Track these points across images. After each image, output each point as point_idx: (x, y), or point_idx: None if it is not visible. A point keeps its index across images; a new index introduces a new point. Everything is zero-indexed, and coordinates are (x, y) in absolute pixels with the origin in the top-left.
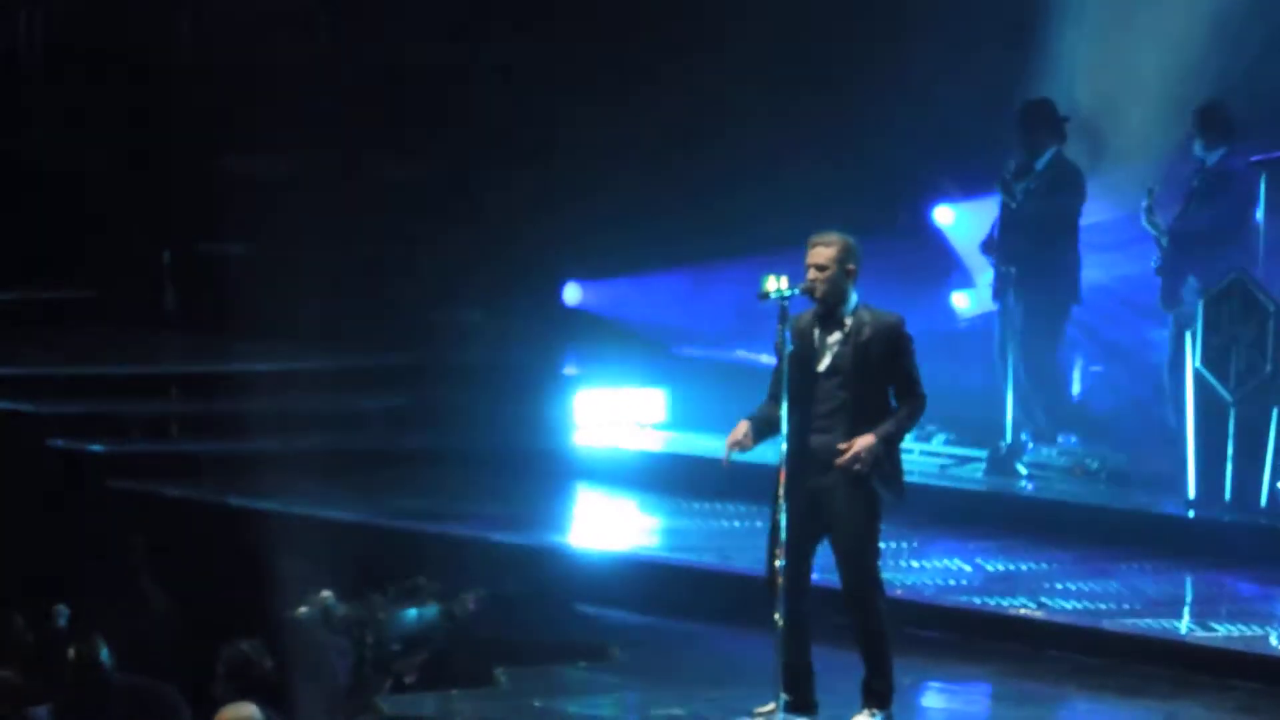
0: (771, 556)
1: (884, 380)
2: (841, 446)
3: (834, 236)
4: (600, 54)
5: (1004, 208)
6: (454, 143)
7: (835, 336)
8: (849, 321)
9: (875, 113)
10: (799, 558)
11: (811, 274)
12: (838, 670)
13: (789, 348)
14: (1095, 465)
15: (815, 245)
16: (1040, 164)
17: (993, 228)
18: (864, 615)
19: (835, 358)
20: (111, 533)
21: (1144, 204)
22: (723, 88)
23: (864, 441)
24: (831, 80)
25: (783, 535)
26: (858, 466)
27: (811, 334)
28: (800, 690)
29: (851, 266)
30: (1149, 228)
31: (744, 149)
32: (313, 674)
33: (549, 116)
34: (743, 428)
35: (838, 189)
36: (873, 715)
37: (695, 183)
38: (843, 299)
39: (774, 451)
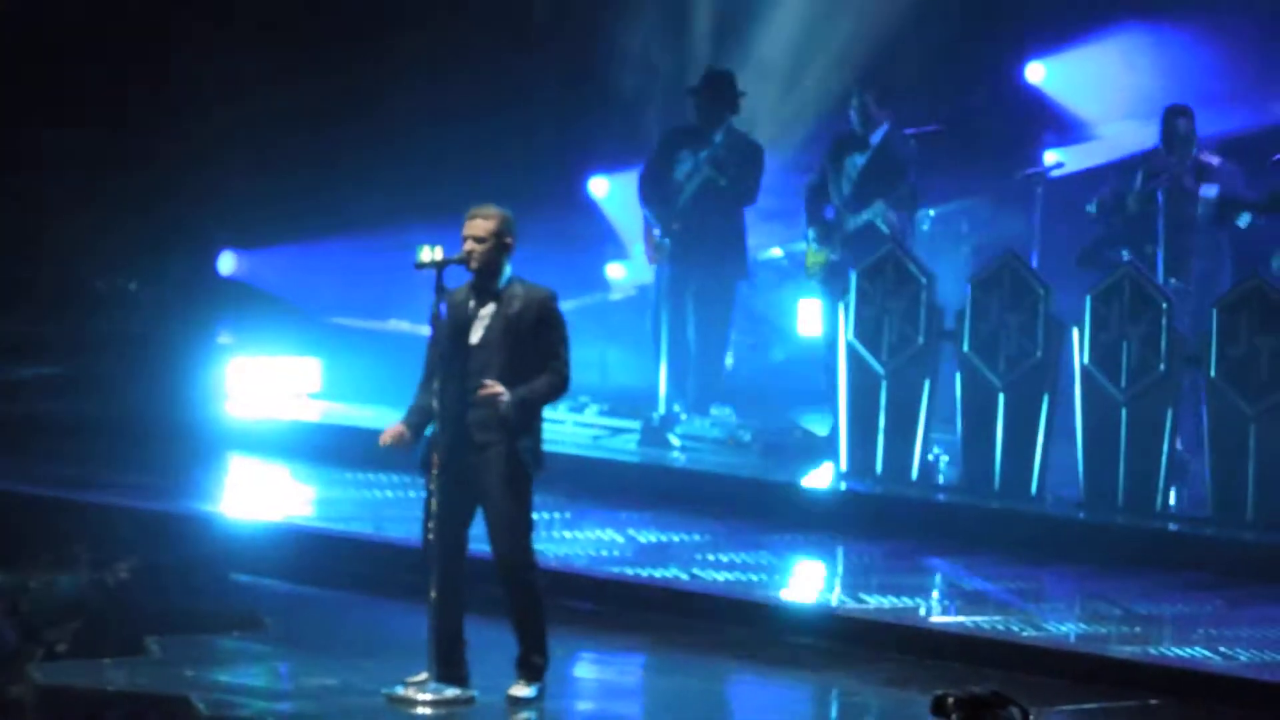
0: (426, 530)
1: (532, 354)
2: (486, 382)
3: (493, 210)
4: (260, 18)
5: (673, 179)
6: (109, 109)
7: (488, 309)
8: (502, 295)
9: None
10: (452, 529)
11: (468, 245)
12: (492, 642)
13: (443, 320)
14: (748, 437)
15: (474, 217)
16: (717, 136)
17: (642, 185)
18: (517, 587)
19: (487, 330)
20: None
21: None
22: (382, 56)
23: (502, 390)
24: (488, 51)
25: (435, 507)
26: (490, 394)
27: (466, 306)
28: (453, 661)
29: (509, 240)
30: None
31: (403, 119)
32: None
33: (207, 84)
34: (396, 432)
35: (495, 160)
36: (527, 687)
37: (353, 152)
38: (498, 272)
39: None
